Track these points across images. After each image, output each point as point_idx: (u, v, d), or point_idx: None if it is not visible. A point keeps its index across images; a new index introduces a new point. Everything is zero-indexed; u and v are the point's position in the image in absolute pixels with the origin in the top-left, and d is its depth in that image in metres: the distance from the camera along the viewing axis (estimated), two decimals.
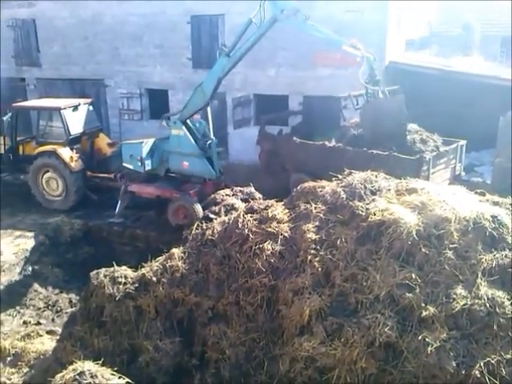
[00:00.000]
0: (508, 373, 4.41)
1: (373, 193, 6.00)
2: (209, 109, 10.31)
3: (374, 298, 5.03)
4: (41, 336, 7.79)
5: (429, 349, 4.56)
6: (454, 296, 4.87)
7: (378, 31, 12.64)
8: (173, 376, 5.75)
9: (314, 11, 12.68)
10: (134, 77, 16.11)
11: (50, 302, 8.96)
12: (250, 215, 6.33)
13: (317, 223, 5.84)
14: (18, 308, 8.68)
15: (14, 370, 7.22)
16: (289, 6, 8.93)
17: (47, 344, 7.48)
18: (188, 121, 10.23)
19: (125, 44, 15.84)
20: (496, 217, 5.38)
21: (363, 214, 5.66)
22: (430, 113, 11.55)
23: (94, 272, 6.45)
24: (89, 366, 4.58)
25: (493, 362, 4.45)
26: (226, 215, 7.01)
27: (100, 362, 4.82)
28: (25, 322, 8.35)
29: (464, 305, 4.78)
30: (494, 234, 5.26)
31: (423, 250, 5.16)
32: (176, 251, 6.36)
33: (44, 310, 8.76)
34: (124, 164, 10.56)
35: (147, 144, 10.33)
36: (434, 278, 5.04)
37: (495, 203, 5.87)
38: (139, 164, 10.26)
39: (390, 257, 5.25)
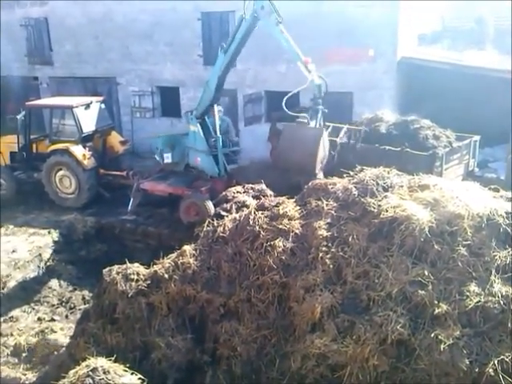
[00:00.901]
0: None
1: (385, 189, 5.97)
2: (215, 106, 10.33)
3: (386, 295, 5.01)
4: (55, 332, 7.87)
5: (441, 346, 4.53)
6: (468, 293, 4.84)
7: (390, 26, 12.51)
8: (185, 373, 5.77)
9: (325, 6, 12.67)
10: (146, 75, 16.12)
11: (64, 299, 9.02)
12: (261, 212, 6.32)
13: (328, 220, 5.83)
14: (32, 305, 8.76)
15: (28, 365, 7.31)
16: (267, 4, 8.85)
17: (61, 340, 7.56)
18: (206, 117, 10.33)
19: (135, 42, 15.86)
20: (510, 213, 5.32)
21: (375, 210, 5.64)
22: (443, 108, 11.40)
23: (107, 269, 6.49)
24: (102, 362, 4.63)
25: (507, 359, 4.43)
26: (237, 212, 6.99)
27: (113, 358, 4.86)
28: (39, 319, 8.42)
29: (477, 302, 4.75)
30: (508, 230, 5.21)
31: (436, 246, 5.14)
32: (187, 248, 6.36)
33: (58, 307, 8.82)
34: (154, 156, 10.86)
35: (167, 138, 10.63)
36: (446, 275, 5.01)
37: (509, 199, 5.81)
38: (160, 157, 10.54)
39: (402, 254, 5.23)
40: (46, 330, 7.89)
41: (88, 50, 16.66)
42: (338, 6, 12.34)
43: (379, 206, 5.64)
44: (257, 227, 6.07)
